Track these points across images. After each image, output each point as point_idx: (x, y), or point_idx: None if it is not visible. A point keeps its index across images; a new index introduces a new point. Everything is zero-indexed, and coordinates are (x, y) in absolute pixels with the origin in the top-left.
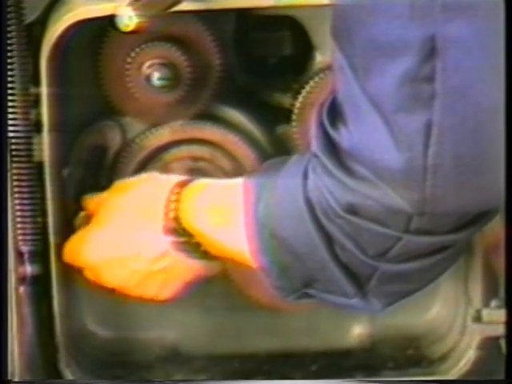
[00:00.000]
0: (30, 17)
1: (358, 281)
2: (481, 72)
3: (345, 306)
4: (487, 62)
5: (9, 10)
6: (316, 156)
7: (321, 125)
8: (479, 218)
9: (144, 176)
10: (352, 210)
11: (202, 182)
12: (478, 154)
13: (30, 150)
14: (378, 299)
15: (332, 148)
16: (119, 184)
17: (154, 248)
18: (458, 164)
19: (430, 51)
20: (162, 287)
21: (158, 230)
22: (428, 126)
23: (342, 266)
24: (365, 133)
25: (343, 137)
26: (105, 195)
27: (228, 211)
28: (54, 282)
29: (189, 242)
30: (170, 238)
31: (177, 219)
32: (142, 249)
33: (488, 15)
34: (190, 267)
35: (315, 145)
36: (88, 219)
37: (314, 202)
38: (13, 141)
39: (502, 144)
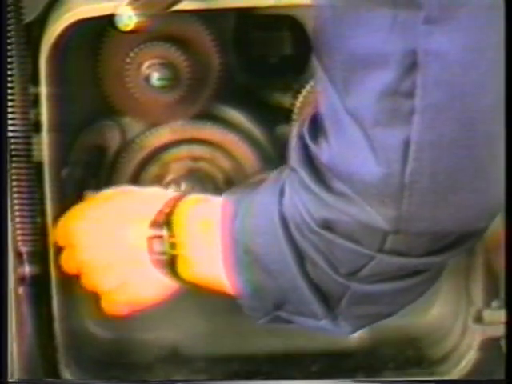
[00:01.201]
0: (30, 16)
1: (328, 301)
2: (462, 87)
3: (314, 327)
4: (468, 77)
5: (8, 9)
6: (294, 170)
7: (301, 138)
8: (456, 243)
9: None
10: (327, 225)
11: (196, 197)
12: (455, 172)
13: (29, 149)
14: (348, 322)
15: (311, 162)
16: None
17: (133, 257)
18: (435, 182)
19: (411, 65)
20: (127, 301)
21: (141, 238)
22: (406, 143)
23: (312, 285)
24: (345, 146)
25: (323, 150)
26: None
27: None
28: (53, 282)
29: (168, 255)
30: (152, 249)
31: (168, 225)
32: (120, 256)
33: (471, 29)
34: (159, 284)
35: (294, 158)
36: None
37: (289, 217)
38: (12, 141)
39: (481, 161)
